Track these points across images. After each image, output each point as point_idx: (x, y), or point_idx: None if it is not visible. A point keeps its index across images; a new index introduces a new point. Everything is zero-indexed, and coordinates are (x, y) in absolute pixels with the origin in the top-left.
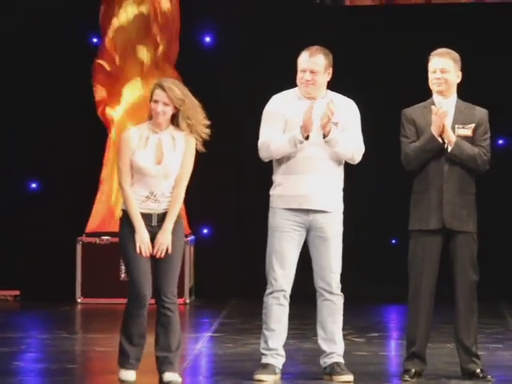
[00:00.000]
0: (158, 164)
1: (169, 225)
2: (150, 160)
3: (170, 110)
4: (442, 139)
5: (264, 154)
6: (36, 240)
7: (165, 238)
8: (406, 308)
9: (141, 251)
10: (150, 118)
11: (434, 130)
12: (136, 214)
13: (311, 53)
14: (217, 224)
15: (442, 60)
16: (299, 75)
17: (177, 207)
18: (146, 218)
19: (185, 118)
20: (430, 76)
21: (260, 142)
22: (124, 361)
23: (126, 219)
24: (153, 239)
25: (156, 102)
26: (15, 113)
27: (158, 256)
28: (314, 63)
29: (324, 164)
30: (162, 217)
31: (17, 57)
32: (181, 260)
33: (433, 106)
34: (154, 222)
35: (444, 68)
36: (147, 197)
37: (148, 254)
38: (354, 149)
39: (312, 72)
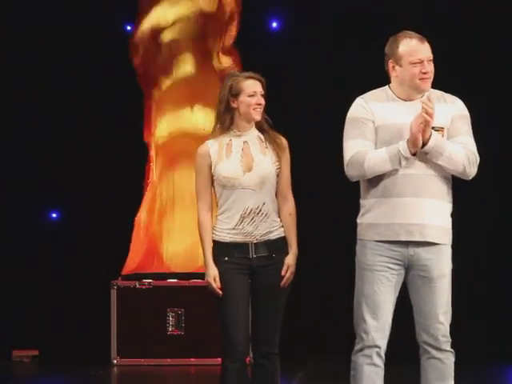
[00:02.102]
0: (249, 171)
1: (296, 249)
2: (238, 168)
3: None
4: None
5: (354, 172)
6: (58, 285)
7: (294, 264)
8: None
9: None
10: (225, 125)
11: None
12: (207, 245)
13: (421, 39)
14: None
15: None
16: (413, 69)
17: (295, 225)
18: (241, 248)
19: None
20: None
21: (347, 158)
22: None
23: (217, 251)
24: (252, 274)
25: (253, 95)
26: (33, 127)
27: (282, 285)
28: (429, 51)
29: (428, 182)
30: (260, 247)
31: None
32: (285, 302)
33: None
34: (252, 254)
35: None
36: (242, 216)
37: (220, 292)
38: (466, 159)
39: (430, 61)
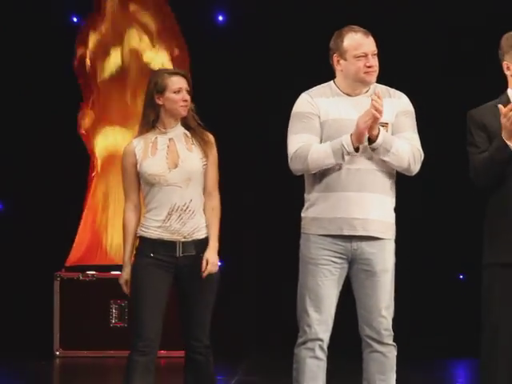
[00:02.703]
0: (174, 168)
1: (215, 243)
2: (163, 165)
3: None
4: None
5: (297, 165)
6: (1, 276)
7: (216, 258)
8: (479, 363)
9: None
10: (150, 123)
11: (505, 135)
12: (127, 246)
13: (365, 33)
14: (232, 255)
15: None
16: (357, 63)
17: (217, 221)
18: (168, 247)
19: (192, 110)
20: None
21: (292, 151)
22: None
23: (143, 247)
24: (178, 273)
25: (178, 91)
26: None
27: (203, 277)
28: (374, 45)
29: (372, 177)
30: (188, 246)
31: None
32: (214, 296)
33: (500, 105)
34: (179, 253)
35: None
36: (169, 213)
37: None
38: (412, 156)
39: (375, 55)
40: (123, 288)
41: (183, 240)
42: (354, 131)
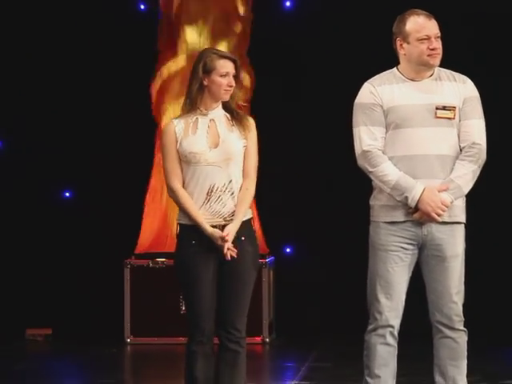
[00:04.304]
0: (215, 147)
1: (240, 220)
2: (204, 144)
3: None
4: None
5: (361, 166)
6: (72, 264)
7: (233, 233)
8: None
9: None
10: (195, 101)
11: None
12: (196, 211)
13: (428, 16)
14: (302, 241)
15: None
16: (421, 45)
17: (247, 200)
18: None
19: (235, 95)
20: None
21: (361, 147)
22: None
23: (185, 234)
24: (220, 258)
25: (225, 75)
26: (45, 104)
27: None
28: (436, 28)
29: (439, 163)
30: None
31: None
32: (253, 285)
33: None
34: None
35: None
36: (208, 194)
37: (234, 254)
38: (477, 168)
39: (438, 38)
40: (223, 245)
41: (224, 223)
42: (421, 209)
